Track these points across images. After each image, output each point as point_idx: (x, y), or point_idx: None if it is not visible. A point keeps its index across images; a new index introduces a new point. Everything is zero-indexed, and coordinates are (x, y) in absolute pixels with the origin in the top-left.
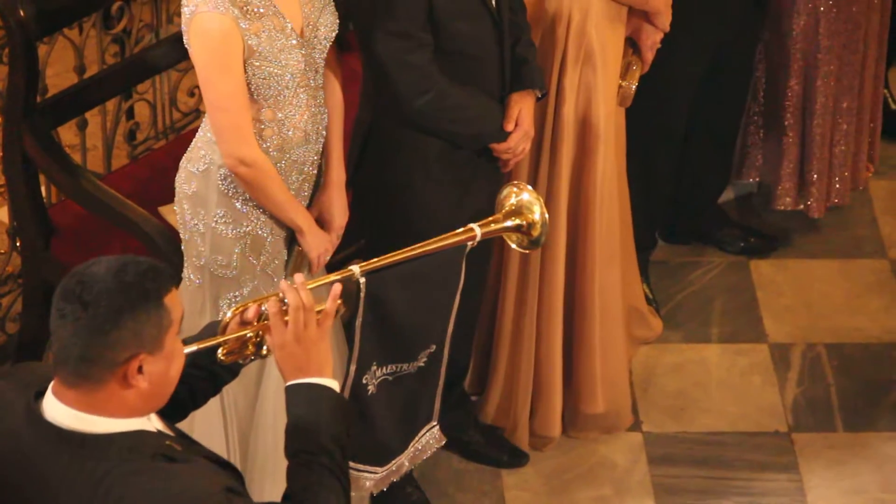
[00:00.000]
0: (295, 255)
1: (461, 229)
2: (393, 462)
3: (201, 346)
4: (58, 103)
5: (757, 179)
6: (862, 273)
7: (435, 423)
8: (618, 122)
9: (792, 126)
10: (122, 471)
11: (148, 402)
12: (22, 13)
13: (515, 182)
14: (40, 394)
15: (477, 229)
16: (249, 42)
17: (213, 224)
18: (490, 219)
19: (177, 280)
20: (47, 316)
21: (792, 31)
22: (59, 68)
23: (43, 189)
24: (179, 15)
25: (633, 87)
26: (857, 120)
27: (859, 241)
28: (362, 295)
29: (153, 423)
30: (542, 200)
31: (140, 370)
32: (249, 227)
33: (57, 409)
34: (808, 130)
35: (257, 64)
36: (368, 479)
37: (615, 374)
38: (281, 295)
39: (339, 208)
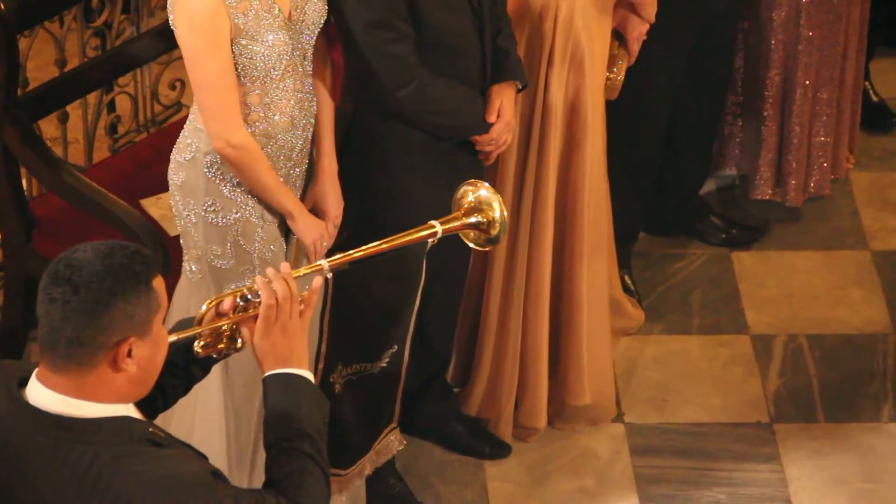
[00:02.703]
0: (294, 244)
1: (423, 226)
2: (357, 464)
3: (180, 336)
4: (39, 96)
5: (734, 170)
6: (843, 264)
7: (395, 426)
8: (601, 115)
9: (771, 117)
10: (110, 454)
11: (135, 387)
12: (2, 6)
13: (471, 181)
14: (23, 382)
15: (438, 226)
16: (236, 21)
17: (204, 213)
18: (451, 216)
19: (160, 266)
20: (29, 308)
21: (772, 22)
22: (39, 61)
23: (24, 182)
24: (162, 8)
25: (620, 79)
26: (837, 111)
27: (841, 233)
28: (329, 290)
29: (136, 412)
30: (500, 197)
31: (129, 354)
32: (239, 214)
33: (43, 395)
34: (787, 121)
35: (244, 43)
36: (333, 482)
37: (601, 365)
38: (263, 283)
39: (332, 197)
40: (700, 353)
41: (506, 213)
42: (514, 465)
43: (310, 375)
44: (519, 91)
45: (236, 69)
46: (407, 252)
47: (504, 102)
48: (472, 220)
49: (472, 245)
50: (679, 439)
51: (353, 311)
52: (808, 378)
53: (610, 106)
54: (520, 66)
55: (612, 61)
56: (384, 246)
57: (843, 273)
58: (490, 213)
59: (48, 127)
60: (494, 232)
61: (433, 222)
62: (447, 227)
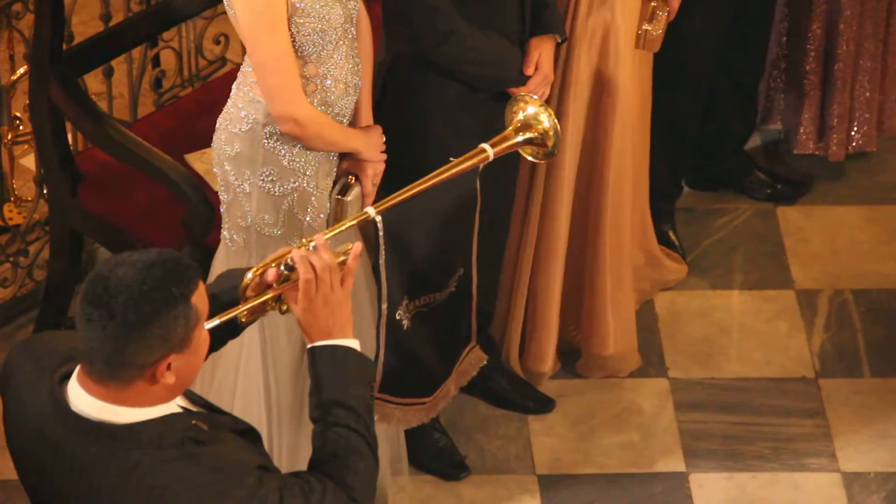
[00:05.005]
0: (334, 205)
1: (473, 151)
2: (441, 388)
3: (223, 318)
4: (84, 51)
5: (779, 125)
6: (889, 219)
7: (475, 344)
8: (643, 68)
9: (814, 70)
10: (152, 459)
11: (174, 391)
12: None
13: (522, 95)
14: (64, 377)
15: (489, 149)
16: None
17: (260, 183)
18: (500, 136)
19: (200, 274)
20: (74, 263)
21: None
22: (84, 16)
23: (69, 137)
24: None
25: (660, 32)
26: (882, 66)
27: (887, 187)
28: (381, 234)
29: (177, 402)
30: (549, 109)
31: (168, 367)
32: (297, 183)
33: (83, 400)
34: (830, 75)
35: (301, 21)
36: (419, 409)
37: (624, 315)
38: (300, 258)
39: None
40: (745, 309)
41: (557, 123)
42: (559, 419)
43: (355, 344)
44: (559, 45)
45: (294, 45)
46: (456, 181)
47: (542, 55)
48: (521, 138)
49: (530, 159)
50: (723, 394)
51: (410, 246)
52: (854, 333)
53: (653, 60)
54: (560, 20)
55: (650, 14)
56: (433, 181)
57: (888, 227)
58: (539, 127)
59: (93, 82)
60: (550, 143)
61: (484, 145)
62: (498, 148)
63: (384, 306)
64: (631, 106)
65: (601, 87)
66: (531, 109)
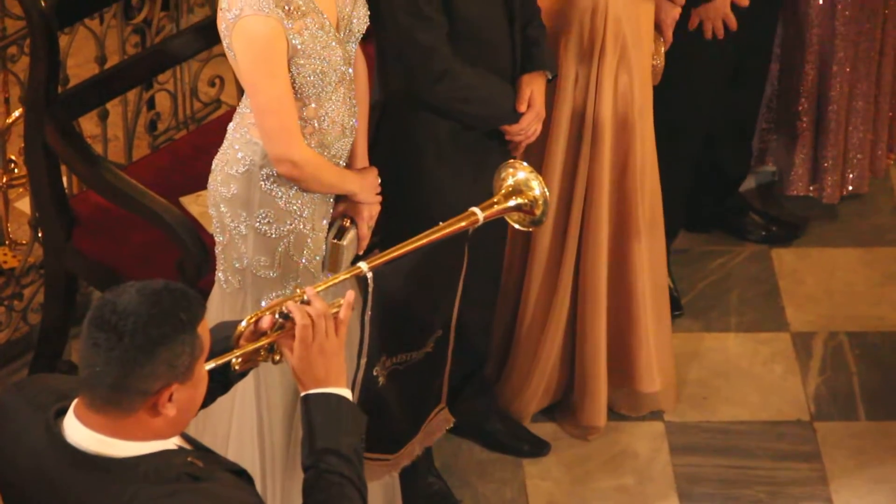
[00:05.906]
0: (330, 249)
1: (463, 214)
2: (406, 447)
3: (218, 362)
4: (79, 94)
5: (772, 166)
6: (884, 261)
7: (443, 406)
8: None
9: (806, 111)
10: (148, 494)
11: (173, 427)
12: (43, 3)
13: (511, 161)
14: (60, 412)
15: (479, 213)
16: (294, 42)
17: (257, 225)
18: (491, 201)
19: (205, 309)
20: (69, 307)
21: (808, 17)
22: (80, 59)
23: (64, 179)
24: (201, 6)
25: (661, 64)
26: (874, 107)
27: (881, 230)
28: (370, 290)
29: (172, 440)
30: (539, 177)
31: (170, 398)
32: (292, 225)
33: (80, 433)
34: (823, 116)
35: (301, 63)
36: (382, 465)
37: (665, 349)
38: (296, 306)
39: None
40: (740, 351)
41: (547, 192)
42: (554, 463)
43: (347, 393)
44: (549, 81)
45: (293, 87)
46: (446, 238)
47: (534, 92)
48: (512, 203)
49: (517, 226)
50: (719, 438)
51: (394, 304)
52: (849, 376)
53: (656, 101)
54: (550, 56)
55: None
56: (424, 240)
57: (883, 270)
58: (530, 194)
59: (88, 124)
60: (538, 212)
61: (474, 209)
62: (488, 212)
63: (363, 361)
64: (651, 138)
65: (627, 133)
66: (521, 175)
